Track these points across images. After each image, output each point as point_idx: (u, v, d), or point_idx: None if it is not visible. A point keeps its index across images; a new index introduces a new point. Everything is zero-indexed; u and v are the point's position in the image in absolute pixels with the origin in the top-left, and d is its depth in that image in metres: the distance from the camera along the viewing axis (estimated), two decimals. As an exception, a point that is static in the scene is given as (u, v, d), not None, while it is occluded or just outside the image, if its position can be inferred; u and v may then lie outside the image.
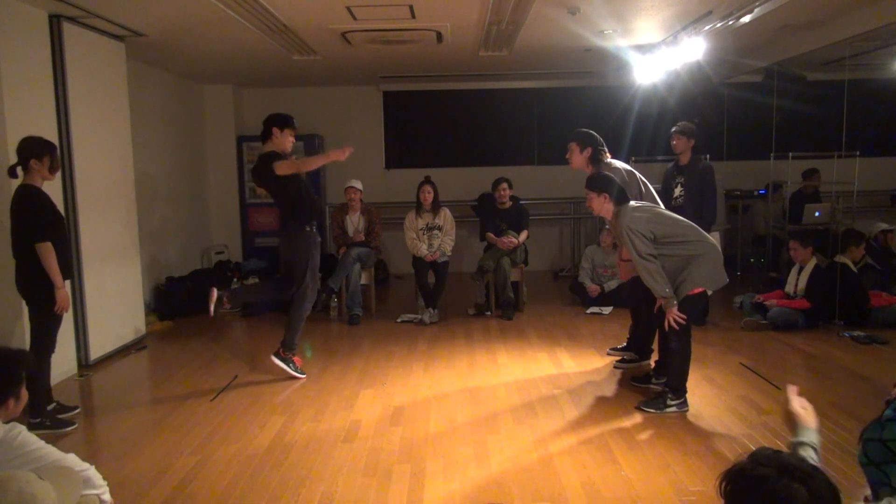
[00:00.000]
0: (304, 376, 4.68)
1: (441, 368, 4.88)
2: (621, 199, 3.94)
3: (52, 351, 3.95)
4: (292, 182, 4.49)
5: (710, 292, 3.95)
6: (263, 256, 8.27)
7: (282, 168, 4.39)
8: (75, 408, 4.15)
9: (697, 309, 4.02)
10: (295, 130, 4.62)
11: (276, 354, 4.66)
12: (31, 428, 3.58)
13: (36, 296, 3.81)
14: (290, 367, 4.65)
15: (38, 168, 3.75)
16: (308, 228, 4.58)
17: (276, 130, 4.51)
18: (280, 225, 4.72)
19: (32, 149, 3.75)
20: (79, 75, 4.95)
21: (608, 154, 4.53)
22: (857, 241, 5.98)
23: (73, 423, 3.93)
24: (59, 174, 4.09)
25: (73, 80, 4.87)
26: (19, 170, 3.76)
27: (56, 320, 3.90)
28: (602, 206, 3.95)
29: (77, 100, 4.92)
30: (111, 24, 5.13)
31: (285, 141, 4.55)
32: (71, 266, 4.13)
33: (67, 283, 3.95)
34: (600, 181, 3.98)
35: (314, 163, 4.65)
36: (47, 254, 3.72)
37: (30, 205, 3.73)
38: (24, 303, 3.99)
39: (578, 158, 4.54)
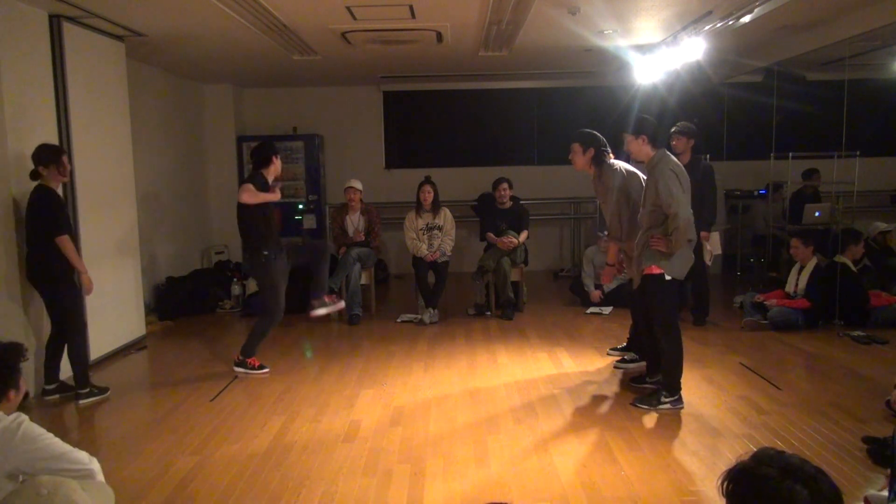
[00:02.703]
0: (266, 370, 4.86)
1: (441, 368, 4.88)
2: (658, 143, 3.96)
3: (85, 329, 4.50)
4: (262, 206, 4.74)
5: (668, 277, 3.91)
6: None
7: (252, 197, 4.63)
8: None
9: (671, 292, 4.00)
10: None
11: (235, 362, 4.89)
12: (81, 398, 4.17)
13: (55, 284, 4.18)
14: (248, 369, 4.85)
15: (45, 173, 4.13)
16: (265, 252, 4.75)
17: (274, 158, 4.82)
18: (242, 246, 4.95)
19: (38, 156, 4.14)
20: (79, 75, 4.95)
21: (611, 154, 4.52)
22: (855, 240, 5.98)
23: (107, 389, 4.44)
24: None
25: (73, 80, 4.87)
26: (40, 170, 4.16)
27: (78, 301, 4.31)
28: (640, 148, 3.96)
29: (77, 100, 4.92)
30: (111, 24, 5.13)
31: (278, 164, 4.88)
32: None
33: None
34: (636, 122, 4.00)
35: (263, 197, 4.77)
36: (68, 245, 4.12)
37: (45, 205, 4.11)
38: (24, 301, 4.19)
39: (581, 159, 4.53)
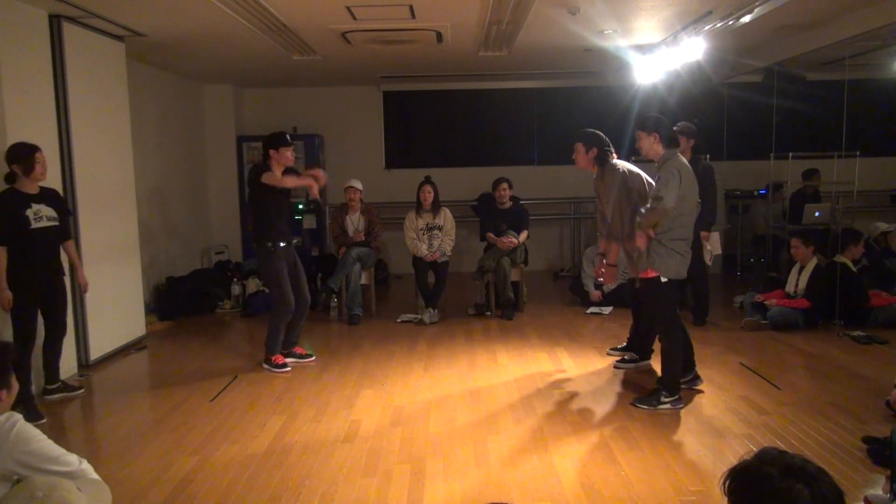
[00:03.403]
0: (287, 370, 4.87)
1: (441, 368, 4.88)
2: (670, 142, 3.97)
3: (28, 334, 4.10)
4: (273, 198, 4.75)
5: (664, 279, 3.93)
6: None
7: (267, 178, 4.64)
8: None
9: (670, 293, 4.01)
10: (290, 144, 4.80)
11: (264, 360, 4.97)
12: (48, 394, 4.21)
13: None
14: (272, 367, 4.89)
15: (19, 172, 4.02)
16: (269, 244, 4.77)
17: (272, 152, 4.74)
18: (253, 237, 4.99)
19: (7, 155, 4.01)
20: (79, 75, 4.95)
21: (614, 154, 4.52)
22: (855, 240, 5.98)
23: (81, 388, 4.49)
24: (57, 172, 4.42)
25: (73, 80, 4.86)
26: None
27: (18, 311, 4.02)
28: (651, 146, 3.97)
29: (77, 100, 4.91)
30: (111, 24, 5.13)
31: (283, 157, 4.75)
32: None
33: (67, 279, 4.45)
34: (652, 121, 4.00)
35: (294, 182, 4.78)
36: None
37: None
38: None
39: (584, 159, 4.54)
